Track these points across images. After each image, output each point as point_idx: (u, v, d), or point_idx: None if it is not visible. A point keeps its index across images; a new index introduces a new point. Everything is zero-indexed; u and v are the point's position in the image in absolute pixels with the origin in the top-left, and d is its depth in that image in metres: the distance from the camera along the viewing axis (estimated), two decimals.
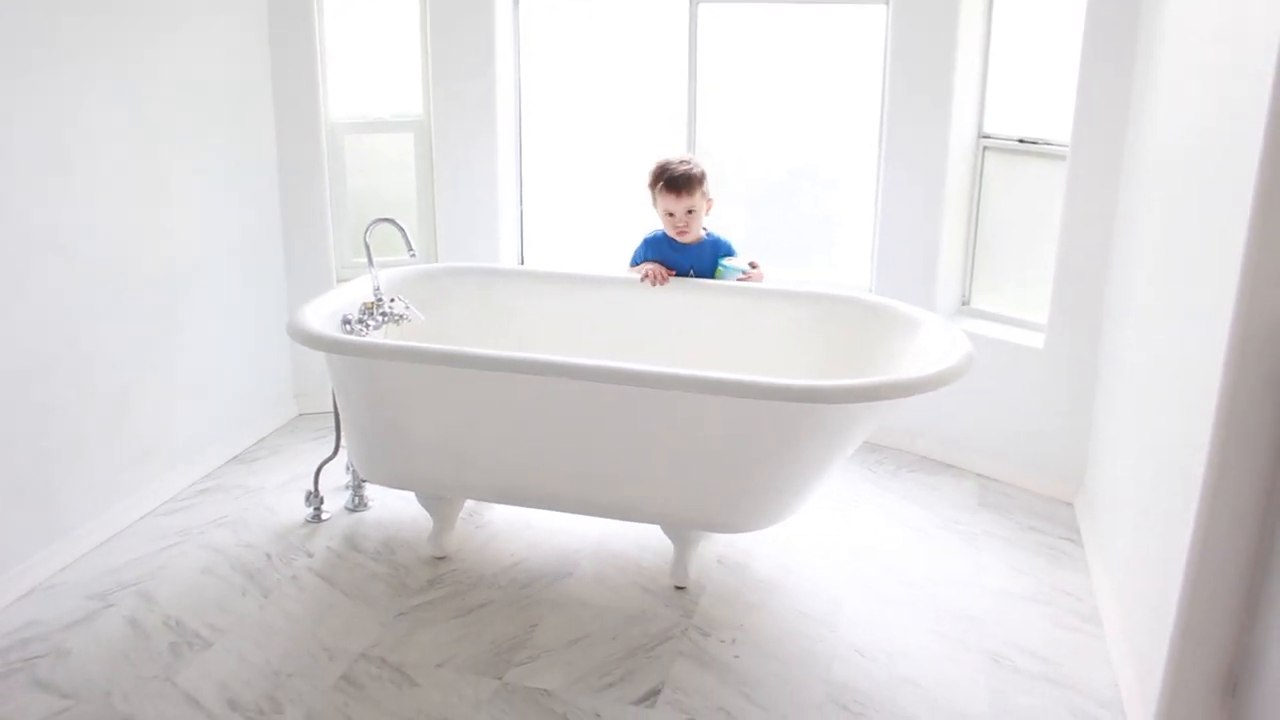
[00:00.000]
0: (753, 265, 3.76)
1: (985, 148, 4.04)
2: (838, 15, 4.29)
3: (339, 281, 4.53)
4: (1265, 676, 2.17)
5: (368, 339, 3.27)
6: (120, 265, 3.54)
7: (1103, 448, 3.52)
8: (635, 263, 3.88)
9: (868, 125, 4.25)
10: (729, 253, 3.80)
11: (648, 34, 4.56)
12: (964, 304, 4.20)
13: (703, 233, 3.80)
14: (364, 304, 3.54)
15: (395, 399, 3.21)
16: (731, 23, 4.40)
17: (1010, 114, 4.01)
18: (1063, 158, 3.74)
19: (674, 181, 3.65)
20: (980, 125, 4.04)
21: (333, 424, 3.85)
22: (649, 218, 3.86)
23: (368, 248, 3.60)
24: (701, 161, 3.73)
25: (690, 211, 3.69)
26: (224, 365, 4.13)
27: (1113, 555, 3.16)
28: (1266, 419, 2.22)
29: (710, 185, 3.73)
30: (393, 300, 3.59)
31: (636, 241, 3.91)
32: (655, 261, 3.81)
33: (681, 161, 3.69)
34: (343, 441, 3.67)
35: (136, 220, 3.61)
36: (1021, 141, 3.95)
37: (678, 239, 3.77)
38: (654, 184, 3.71)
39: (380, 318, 3.54)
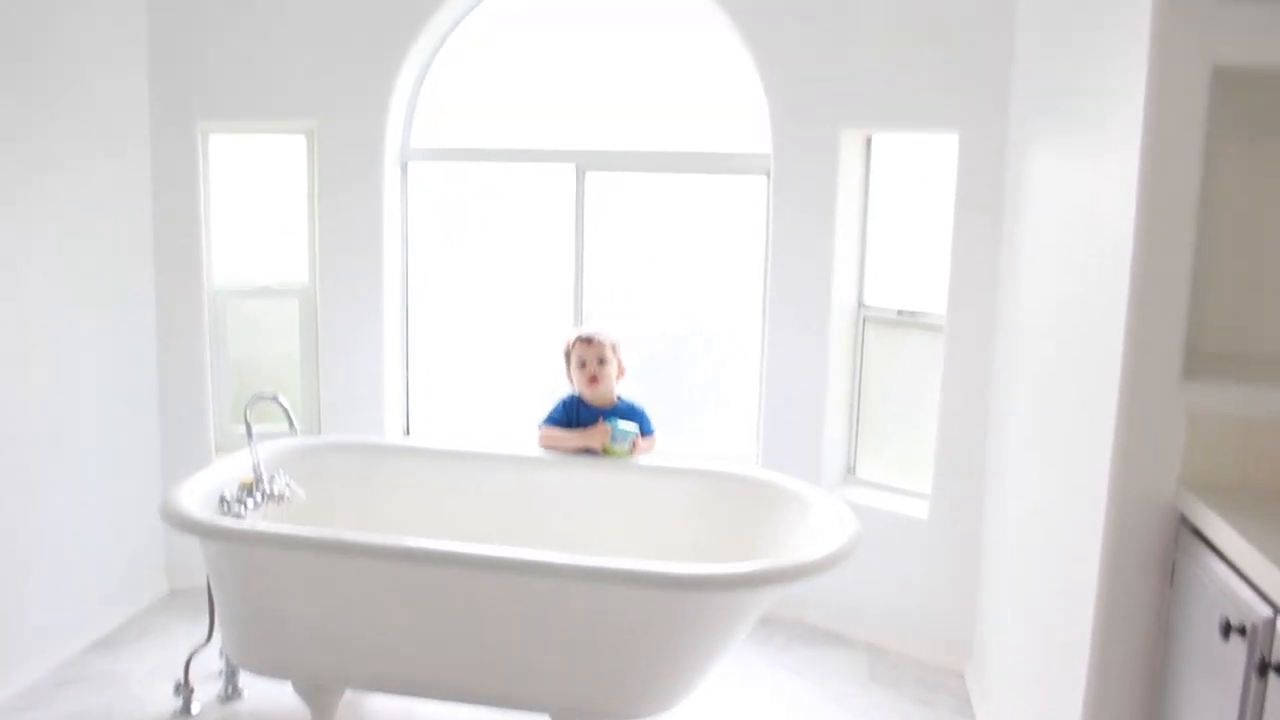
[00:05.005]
0: (641, 434, 3.76)
1: (865, 318, 4.15)
2: (722, 183, 4.41)
3: (217, 450, 4.40)
4: None
5: (244, 523, 3.14)
6: None
7: (990, 617, 3.54)
8: (550, 421, 3.83)
9: (753, 289, 4.34)
10: (642, 420, 3.78)
11: (535, 201, 4.62)
12: (849, 472, 4.25)
13: (615, 397, 3.80)
14: (242, 482, 3.42)
15: (272, 584, 3.07)
16: (618, 188, 4.49)
17: (889, 285, 4.13)
18: (940, 329, 3.86)
19: (585, 335, 3.79)
20: (860, 296, 4.16)
21: (205, 603, 3.67)
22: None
23: (248, 425, 3.50)
24: (615, 333, 3.83)
25: (602, 361, 3.72)
26: (91, 540, 3.93)
27: None
28: (1146, 595, 2.27)
29: (624, 354, 3.80)
30: (272, 478, 3.47)
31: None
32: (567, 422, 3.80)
33: (596, 325, 3.88)
34: (216, 626, 3.49)
35: (1, 384, 3.45)
36: (900, 313, 4.06)
37: (589, 389, 3.75)
38: (569, 344, 3.80)
39: (259, 496, 3.42)
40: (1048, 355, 2.92)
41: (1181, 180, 2.18)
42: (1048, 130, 3.09)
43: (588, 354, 3.74)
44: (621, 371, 3.81)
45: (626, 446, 3.70)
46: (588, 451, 3.75)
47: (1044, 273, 3.04)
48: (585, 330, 3.81)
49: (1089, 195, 2.58)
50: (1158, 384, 2.23)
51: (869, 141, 4.08)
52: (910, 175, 4.12)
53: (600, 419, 3.74)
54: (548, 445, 3.79)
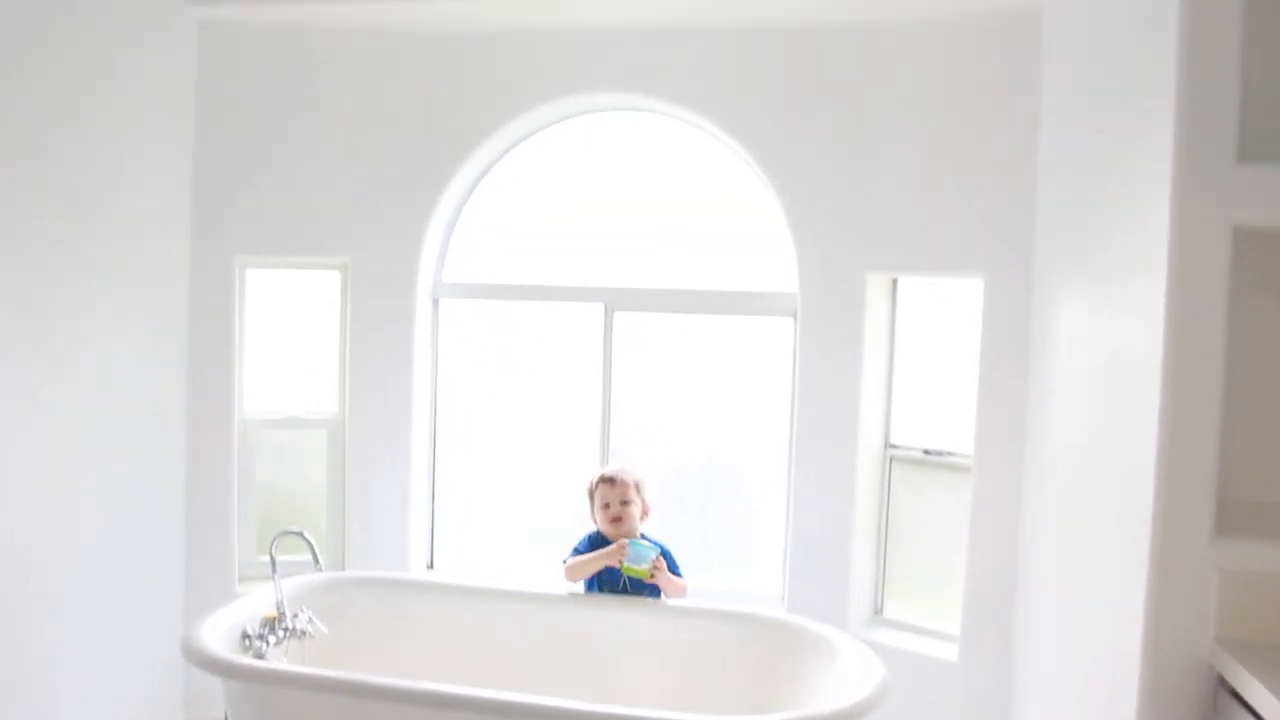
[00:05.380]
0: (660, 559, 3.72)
1: (892, 458, 4.15)
2: (748, 323, 4.46)
3: (241, 579, 4.39)
4: None
5: (265, 664, 3.12)
6: (2, 559, 3.38)
7: None
8: (577, 552, 3.81)
9: (778, 431, 4.36)
10: (671, 559, 3.75)
11: (563, 335, 4.69)
12: (876, 613, 4.19)
13: (639, 536, 3.77)
14: (265, 618, 3.41)
15: None
16: (646, 327, 4.55)
17: (916, 425, 4.14)
18: (967, 469, 3.85)
19: (608, 475, 3.77)
20: (887, 435, 4.16)
21: None
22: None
23: (273, 559, 3.51)
24: (639, 472, 3.81)
25: (625, 503, 3.70)
26: (108, 667, 3.90)
27: None
28: None
29: (647, 493, 3.78)
30: (295, 615, 3.46)
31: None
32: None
33: (619, 465, 3.87)
34: None
35: (25, 509, 3.48)
36: (927, 452, 4.06)
37: (612, 529, 3.73)
38: (592, 484, 3.79)
39: (282, 633, 3.40)
40: (1077, 505, 2.91)
41: (1206, 338, 2.21)
42: (1072, 280, 3.13)
43: (611, 495, 3.73)
44: (646, 511, 3.79)
45: (647, 567, 3.64)
46: (612, 585, 3.72)
47: (1072, 421, 3.05)
48: (609, 470, 3.81)
49: (1115, 348, 2.61)
50: (1189, 541, 2.22)
51: (895, 283, 4.14)
52: (938, 316, 4.16)
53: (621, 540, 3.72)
54: (572, 572, 3.75)
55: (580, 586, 3.80)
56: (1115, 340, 2.62)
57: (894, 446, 4.15)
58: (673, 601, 3.70)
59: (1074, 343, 3.09)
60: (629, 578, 3.69)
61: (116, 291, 3.89)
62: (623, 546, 3.67)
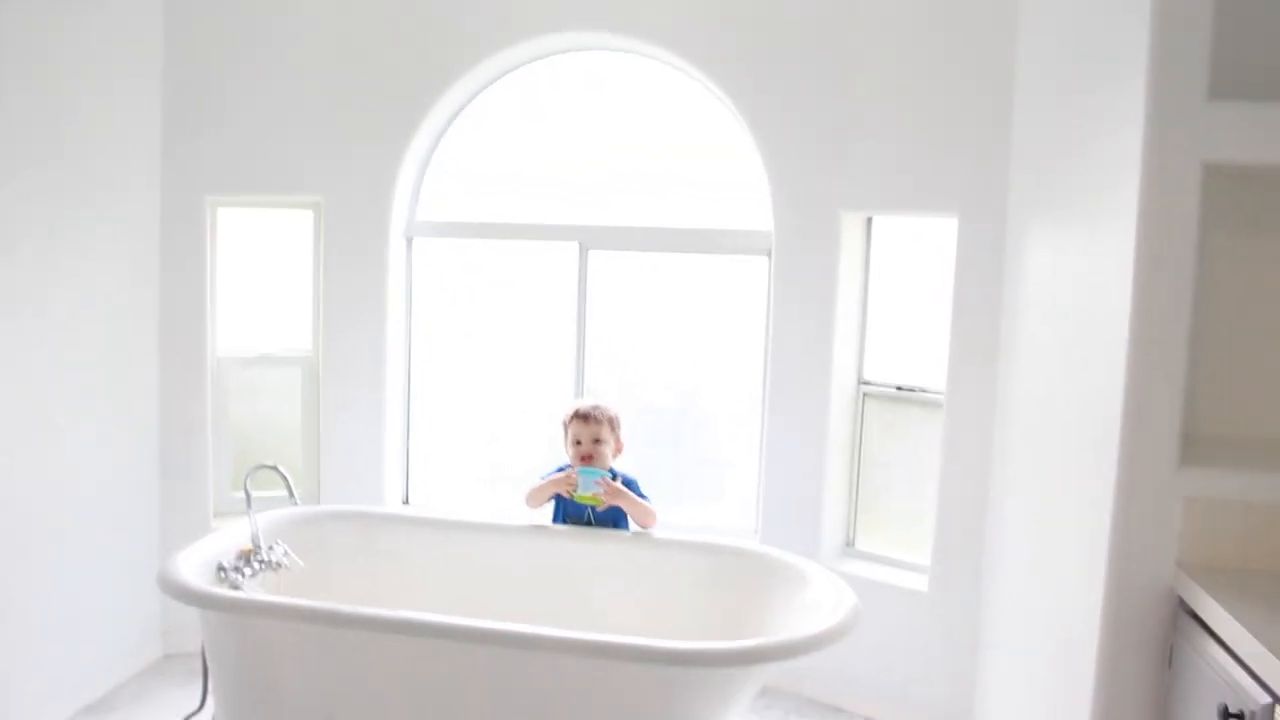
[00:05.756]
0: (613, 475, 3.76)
1: (865, 394, 4.19)
2: (723, 261, 4.47)
3: (216, 515, 4.41)
4: None
5: (241, 594, 3.14)
6: None
7: (989, 691, 3.53)
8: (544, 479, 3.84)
9: (753, 367, 4.39)
10: (635, 487, 3.77)
11: (538, 274, 4.68)
12: (848, 545, 4.26)
13: (609, 470, 3.80)
14: (240, 550, 3.42)
15: (268, 654, 3.07)
16: (620, 266, 4.55)
17: (888, 362, 4.18)
18: (939, 405, 3.90)
19: (583, 410, 3.76)
20: (860, 372, 4.20)
21: (200, 669, 3.65)
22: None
23: (248, 494, 3.52)
24: (615, 409, 3.80)
25: (597, 441, 3.71)
26: (87, 602, 3.92)
27: None
28: (1146, 675, 2.30)
29: (621, 431, 3.79)
30: (270, 547, 3.48)
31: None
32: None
33: (596, 400, 3.85)
34: (210, 694, 3.47)
35: (1, 447, 3.47)
36: (899, 389, 4.11)
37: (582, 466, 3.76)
38: (566, 417, 3.78)
39: (258, 565, 3.42)
40: (1046, 437, 2.96)
41: (1176, 272, 2.24)
42: (1045, 218, 3.16)
43: (583, 432, 3.74)
44: (619, 448, 3.80)
45: (596, 491, 3.68)
46: (578, 521, 3.76)
47: (1042, 355, 3.09)
48: (583, 405, 3.80)
49: (1086, 284, 2.64)
50: (1155, 470, 2.27)
51: (869, 222, 4.15)
52: (911, 254, 4.18)
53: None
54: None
55: (543, 515, 3.84)
56: (1086, 277, 2.65)
57: (867, 383, 4.19)
58: (644, 533, 3.74)
59: (1045, 281, 3.12)
60: (594, 511, 3.73)
61: (85, 231, 3.85)
62: (571, 476, 3.71)
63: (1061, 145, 3.01)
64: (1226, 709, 1.92)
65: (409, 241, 4.61)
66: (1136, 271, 2.26)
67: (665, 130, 4.48)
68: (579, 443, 3.73)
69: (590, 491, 3.69)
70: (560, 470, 3.80)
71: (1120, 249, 2.34)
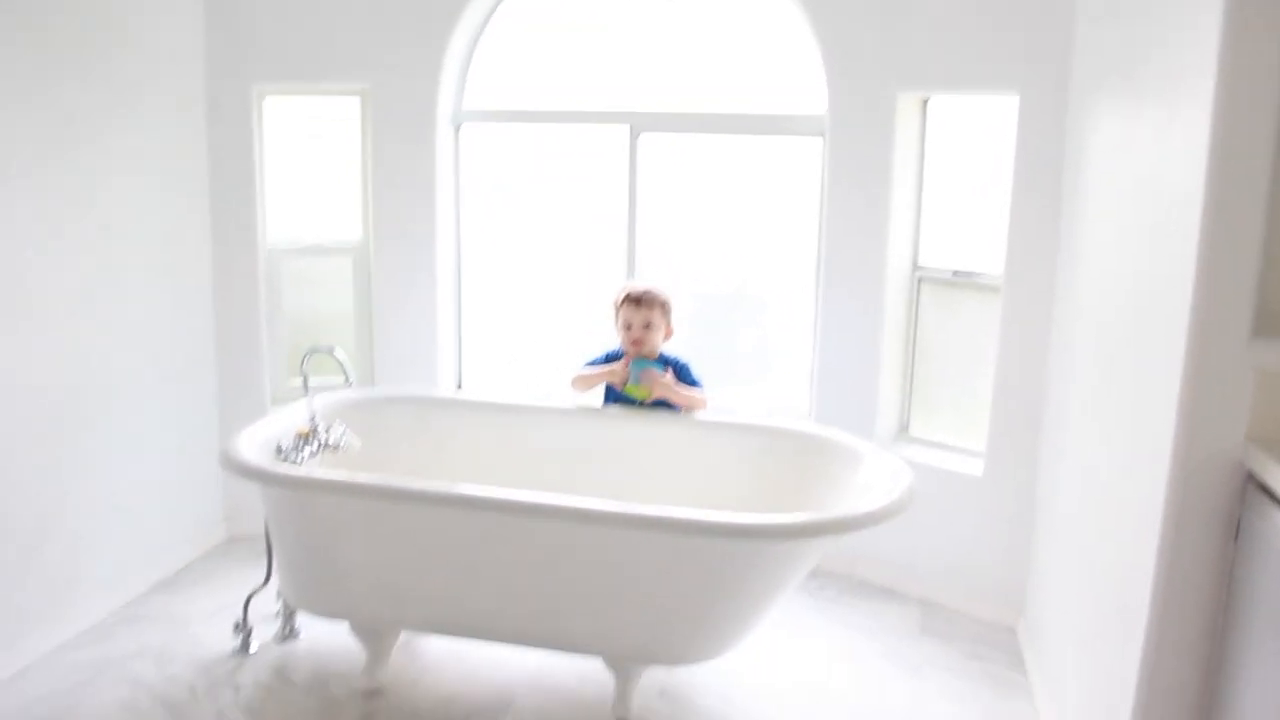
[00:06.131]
0: (687, 385, 3.76)
1: (920, 279, 4.13)
2: (777, 145, 4.40)
3: (273, 403, 4.47)
4: None
5: (302, 470, 3.20)
6: (44, 382, 3.45)
7: (1044, 574, 3.54)
8: (590, 365, 3.86)
9: (805, 252, 4.34)
10: (687, 372, 3.78)
11: (588, 159, 4.63)
12: (902, 430, 4.25)
13: (658, 354, 3.80)
14: (299, 432, 3.48)
15: (329, 530, 3.13)
16: (671, 150, 4.49)
17: (944, 247, 4.12)
18: (996, 290, 3.84)
19: (635, 294, 3.74)
20: (915, 257, 4.14)
21: (263, 549, 3.75)
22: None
23: (304, 376, 3.56)
24: (668, 292, 3.77)
25: (648, 326, 3.70)
26: (151, 488, 4.02)
27: (1057, 685, 3.16)
28: (1210, 552, 2.26)
29: (673, 316, 3.77)
30: (328, 428, 3.52)
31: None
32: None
33: (648, 283, 3.80)
34: (274, 570, 3.56)
35: (63, 336, 3.53)
36: (956, 274, 4.05)
37: (634, 354, 3.76)
38: (618, 299, 3.76)
39: (316, 446, 3.47)
40: (1111, 316, 2.90)
41: (1254, 141, 2.15)
42: (1112, 94, 3.06)
43: (634, 317, 3.72)
44: (669, 333, 3.79)
45: (646, 385, 3.70)
46: (620, 399, 3.78)
47: (1107, 233, 3.02)
48: (636, 289, 3.77)
49: (1157, 157, 2.56)
50: (1226, 340, 2.22)
51: (926, 103, 4.05)
52: (968, 137, 4.09)
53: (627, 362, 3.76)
54: (576, 384, 3.81)
55: (593, 398, 3.87)
56: (1157, 149, 2.57)
57: (922, 268, 4.13)
58: (697, 414, 3.74)
59: (1111, 155, 3.04)
60: (643, 401, 3.74)
61: (135, 124, 3.85)
62: (623, 369, 3.71)
63: (1129, 15, 2.90)
64: None
65: (457, 128, 4.57)
66: (1213, 140, 2.18)
67: (718, 10, 4.37)
68: (629, 327, 3.72)
69: (641, 383, 3.70)
70: (609, 356, 3.80)
71: (1196, 117, 2.26)
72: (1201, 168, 2.20)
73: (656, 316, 3.72)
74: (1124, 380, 2.72)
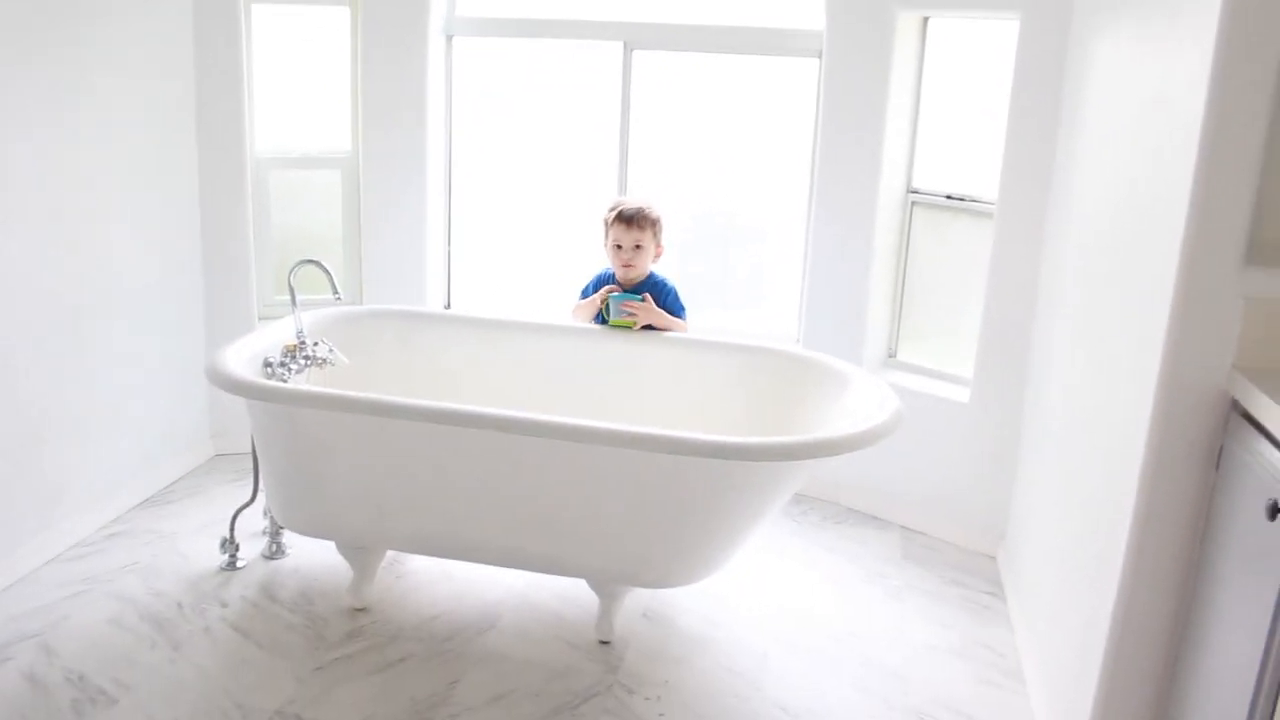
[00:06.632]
0: (643, 298, 3.73)
1: (914, 203, 4.09)
2: (772, 66, 4.33)
3: (260, 319, 4.44)
4: None
5: (289, 385, 3.18)
6: (29, 299, 3.40)
7: (1025, 502, 3.56)
8: (583, 296, 3.86)
9: (798, 176, 4.29)
10: (673, 297, 3.76)
11: (581, 79, 4.56)
12: (890, 356, 4.24)
13: (646, 274, 3.77)
14: (286, 346, 3.45)
15: (316, 446, 3.12)
16: (666, 69, 4.41)
17: (939, 170, 4.07)
18: (990, 215, 3.80)
19: (626, 214, 3.68)
20: (909, 181, 4.09)
21: (250, 466, 3.75)
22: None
23: (292, 290, 3.53)
24: (660, 210, 3.72)
25: (638, 247, 3.67)
26: (138, 404, 4.00)
27: (1035, 611, 3.19)
28: (1190, 479, 2.27)
29: (663, 235, 3.73)
30: (316, 343, 3.50)
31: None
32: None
33: (640, 201, 3.74)
34: (260, 487, 3.57)
35: (47, 253, 3.48)
36: (949, 198, 4.00)
37: (623, 274, 3.74)
38: (609, 216, 3.72)
39: (303, 361, 3.46)
40: (1102, 242, 2.88)
41: (1258, 67, 2.11)
42: (1115, 15, 2.99)
43: (624, 238, 3.68)
44: (659, 252, 3.76)
45: (629, 315, 3.69)
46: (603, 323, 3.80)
47: (1104, 158, 2.98)
48: (628, 207, 3.71)
49: (1159, 79, 2.51)
50: (1218, 268, 2.19)
51: (926, 23, 3.97)
52: (966, 61, 4.02)
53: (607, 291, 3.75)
54: (573, 316, 3.85)
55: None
56: (1158, 73, 2.52)
57: (916, 192, 4.09)
58: (683, 335, 3.73)
59: (1112, 80, 2.98)
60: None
61: (117, 31, 3.74)
62: (603, 301, 3.70)
63: None
64: (1275, 504, 1.90)
65: (449, 39, 4.48)
66: (1216, 63, 2.14)
67: None
68: (619, 247, 3.69)
69: (621, 316, 3.69)
70: (599, 280, 3.79)
71: (1201, 37, 2.21)
72: (1203, 91, 2.16)
73: (647, 238, 3.69)
74: (1111, 307, 2.70)
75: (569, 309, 3.87)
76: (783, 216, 4.44)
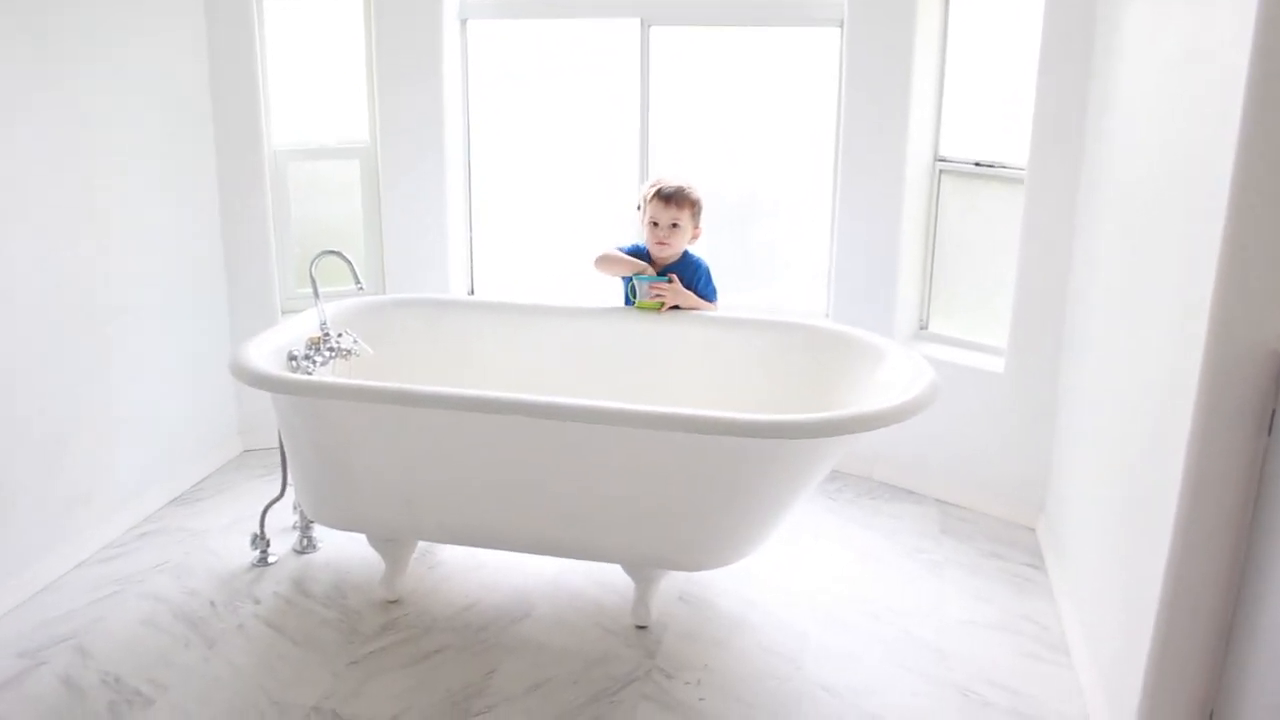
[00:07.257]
0: (670, 280, 3.66)
1: (941, 171, 4.01)
2: (792, 38, 4.25)
3: (283, 312, 4.41)
4: (1243, 706, 2.13)
5: (314, 377, 3.14)
6: (52, 300, 3.38)
7: (1065, 473, 3.48)
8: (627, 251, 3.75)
9: (823, 148, 4.22)
10: (704, 278, 3.69)
11: (600, 57, 4.49)
12: (922, 328, 4.17)
13: (681, 253, 3.70)
14: (310, 339, 3.42)
15: (343, 438, 3.09)
16: (685, 45, 4.34)
17: (966, 137, 3.98)
18: (1020, 181, 3.72)
19: (666, 191, 3.59)
20: (936, 148, 4.01)
21: (279, 461, 3.73)
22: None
23: (314, 281, 3.49)
24: (700, 192, 3.65)
25: (675, 226, 3.59)
26: (164, 402, 3.99)
27: (1079, 582, 3.12)
28: (1241, 445, 2.19)
29: (701, 218, 3.65)
30: (340, 335, 3.47)
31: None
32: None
33: (681, 180, 3.65)
34: (289, 481, 3.54)
35: (69, 252, 3.46)
36: (978, 165, 3.92)
37: (657, 252, 3.68)
38: (647, 192, 3.65)
39: (327, 353, 3.42)
40: (1141, 203, 2.79)
41: None
42: None
43: (662, 215, 3.60)
44: (696, 234, 3.67)
45: (656, 297, 3.63)
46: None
47: (1139, 117, 2.89)
48: (668, 185, 3.61)
49: (1197, 30, 2.43)
50: (1269, 225, 2.12)
51: None
52: (991, 20, 3.93)
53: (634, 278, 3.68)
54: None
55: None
56: (1194, 30, 2.44)
57: (943, 160, 4.01)
58: (714, 314, 3.67)
59: (1145, 34, 2.89)
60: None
61: (133, 28, 3.71)
62: (633, 278, 3.65)
63: None
64: None
65: (463, 23, 4.43)
66: (1260, 15, 2.06)
67: None
68: (656, 224, 3.62)
69: (648, 298, 3.63)
70: (634, 250, 3.70)
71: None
72: (1247, 43, 2.07)
73: (685, 218, 3.60)
74: (1154, 267, 2.62)
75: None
76: (805, 191, 4.37)
